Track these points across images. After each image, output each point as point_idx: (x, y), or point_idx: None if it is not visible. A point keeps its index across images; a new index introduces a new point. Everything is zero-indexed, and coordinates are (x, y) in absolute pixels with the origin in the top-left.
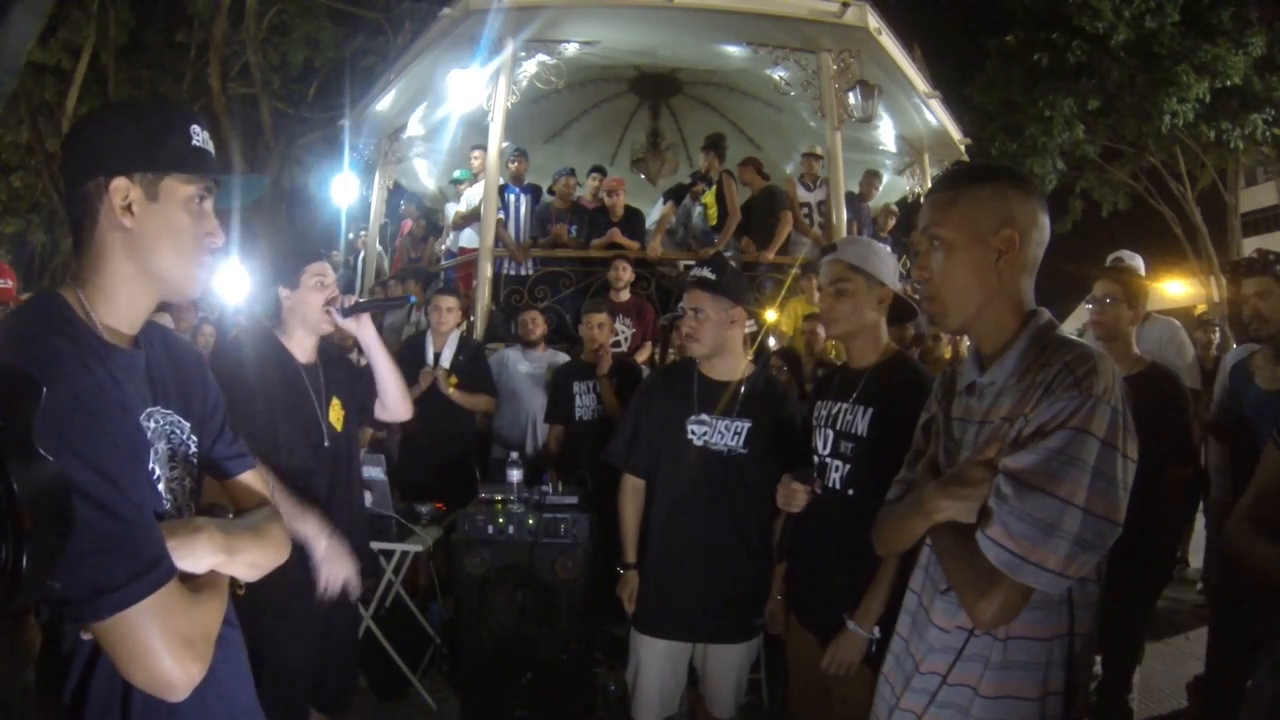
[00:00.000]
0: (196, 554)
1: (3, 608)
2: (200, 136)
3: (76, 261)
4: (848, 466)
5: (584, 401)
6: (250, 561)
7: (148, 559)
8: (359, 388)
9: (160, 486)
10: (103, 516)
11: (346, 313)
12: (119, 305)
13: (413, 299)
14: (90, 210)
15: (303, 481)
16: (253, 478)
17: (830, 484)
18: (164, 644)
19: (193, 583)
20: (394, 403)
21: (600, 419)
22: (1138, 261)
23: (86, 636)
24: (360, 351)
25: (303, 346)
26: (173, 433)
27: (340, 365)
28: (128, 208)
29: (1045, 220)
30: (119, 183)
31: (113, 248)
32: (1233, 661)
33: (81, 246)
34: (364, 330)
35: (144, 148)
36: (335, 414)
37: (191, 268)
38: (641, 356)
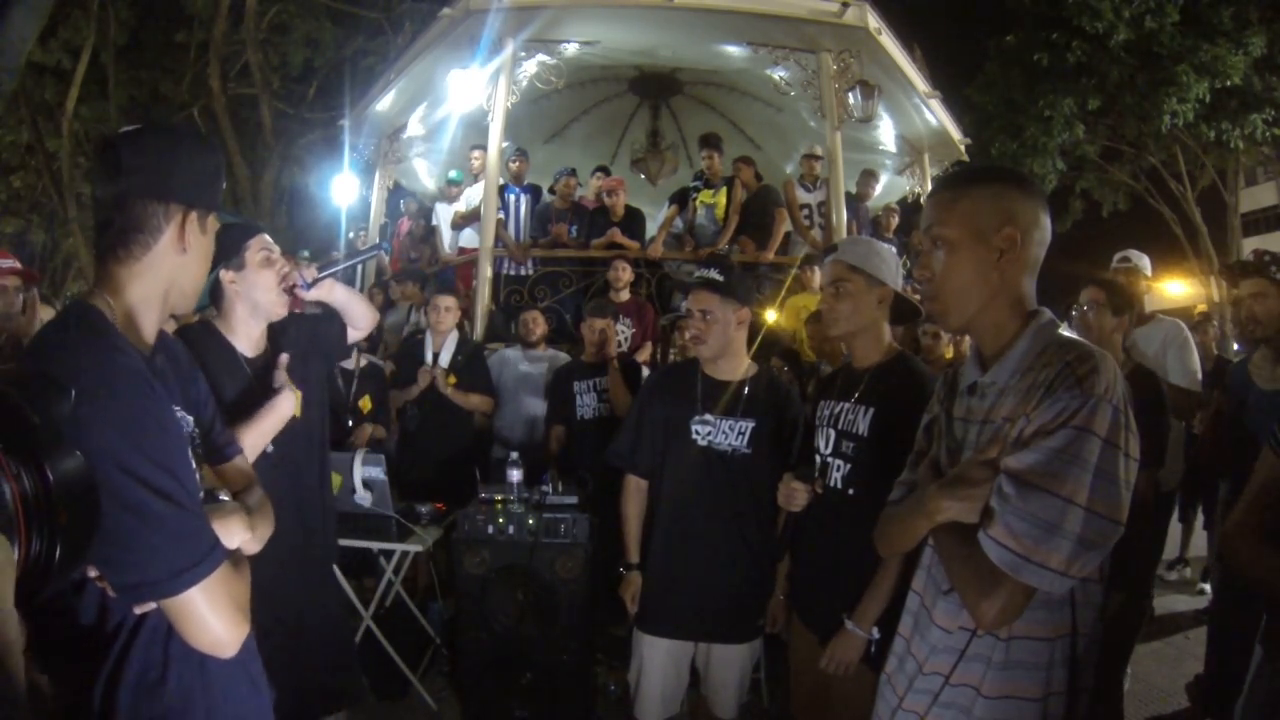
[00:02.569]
0: (232, 533)
1: (34, 597)
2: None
3: (110, 270)
4: (849, 466)
5: (585, 401)
6: (260, 537)
7: (209, 542)
8: (320, 331)
9: (196, 476)
10: (176, 511)
11: (311, 284)
12: (148, 317)
13: (385, 246)
14: (154, 229)
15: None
16: (241, 461)
17: (831, 483)
18: (222, 611)
19: (231, 556)
20: (361, 320)
21: (601, 418)
22: (1144, 261)
23: (139, 611)
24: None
25: (249, 337)
26: (184, 426)
27: (294, 335)
28: (188, 236)
29: (1047, 220)
30: (193, 215)
31: (163, 266)
32: (1233, 661)
33: (125, 258)
34: (334, 293)
35: (209, 187)
36: (295, 402)
37: (200, 289)
38: (642, 356)
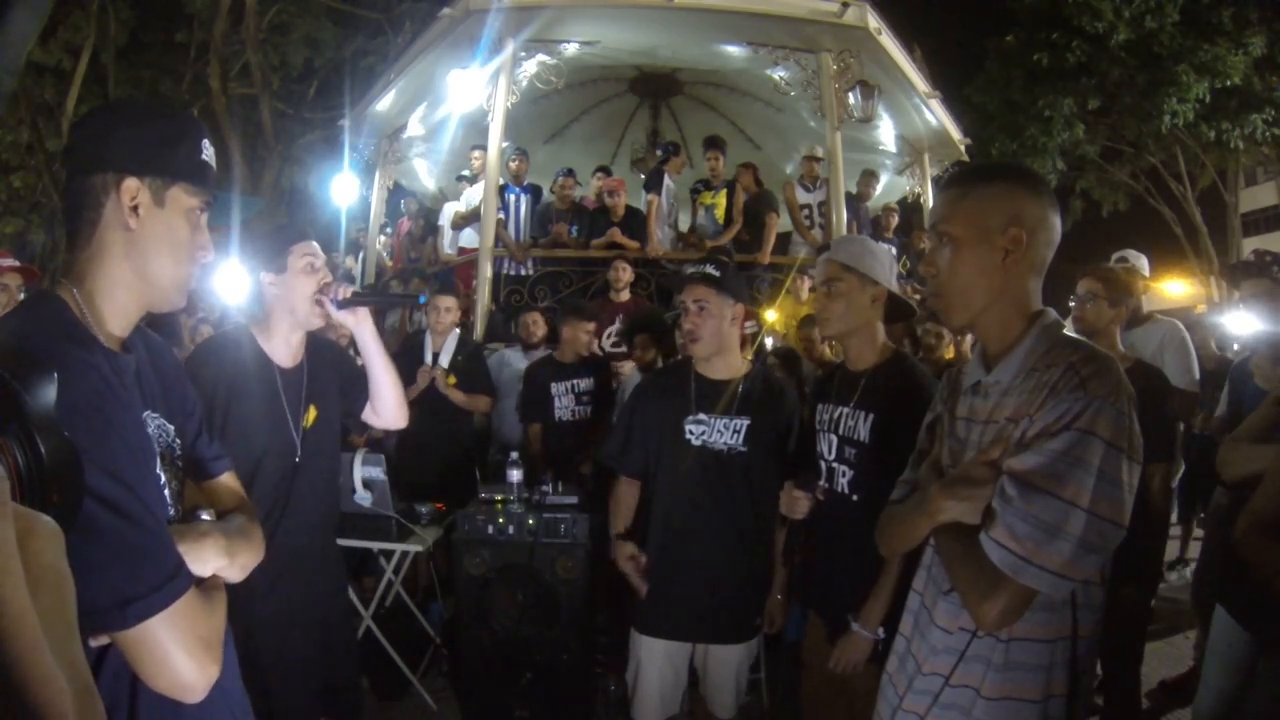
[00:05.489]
0: (204, 558)
1: None
2: (208, 151)
3: (71, 257)
4: (853, 472)
5: (563, 403)
6: (243, 564)
7: (168, 568)
8: (350, 390)
9: (165, 492)
10: (125, 525)
11: (342, 305)
12: (113, 308)
13: (423, 298)
14: (94, 205)
15: (269, 498)
16: (230, 479)
17: (838, 489)
18: (185, 648)
19: (201, 586)
20: (388, 410)
21: (579, 420)
22: (1142, 261)
23: (95, 644)
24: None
25: (287, 345)
26: (161, 436)
27: (331, 367)
28: (134, 209)
29: (1055, 220)
30: (130, 183)
31: (113, 248)
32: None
33: (79, 242)
34: (362, 327)
35: (158, 152)
36: (309, 419)
37: (182, 278)
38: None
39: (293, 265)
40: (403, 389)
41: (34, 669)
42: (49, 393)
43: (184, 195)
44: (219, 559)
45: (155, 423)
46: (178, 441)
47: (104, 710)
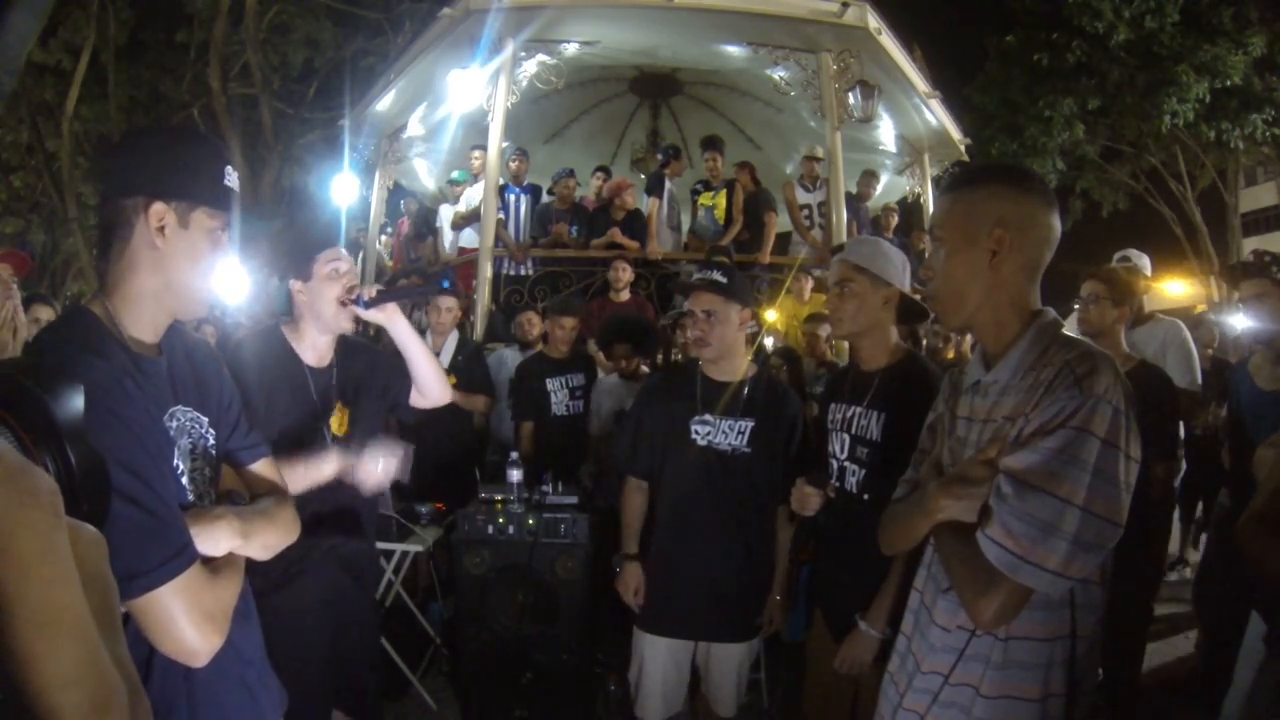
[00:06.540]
0: (216, 538)
1: None
2: (231, 177)
3: (105, 271)
4: (864, 471)
5: (558, 398)
6: (264, 544)
7: (174, 546)
8: (393, 385)
9: (184, 479)
10: (134, 511)
11: (370, 304)
12: (143, 316)
13: (446, 283)
14: (126, 225)
15: (298, 495)
16: (265, 466)
17: (848, 488)
18: (188, 618)
19: (213, 564)
20: (432, 389)
21: (574, 415)
22: (1144, 261)
23: (119, 610)
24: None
25: (315, 347)
26: (193, 428)
27: (365, 370)
28: (161, 229)
29: (1048, 219)
30: (158, 206)
31: (141, 264)
32: (1228, 662)
33: (111, 257)
34: (394, 322)
35: (183, 178)
36: (338, 421)
37: (204, 291)
38: None
39: (318, 272)
40: (440, 367)
41: (95, 669)
42: (76, 403)
43: (205, 218)
44: (232, 539)
45: (187, 415)
46: (211, 432)
47: (150, 707)
